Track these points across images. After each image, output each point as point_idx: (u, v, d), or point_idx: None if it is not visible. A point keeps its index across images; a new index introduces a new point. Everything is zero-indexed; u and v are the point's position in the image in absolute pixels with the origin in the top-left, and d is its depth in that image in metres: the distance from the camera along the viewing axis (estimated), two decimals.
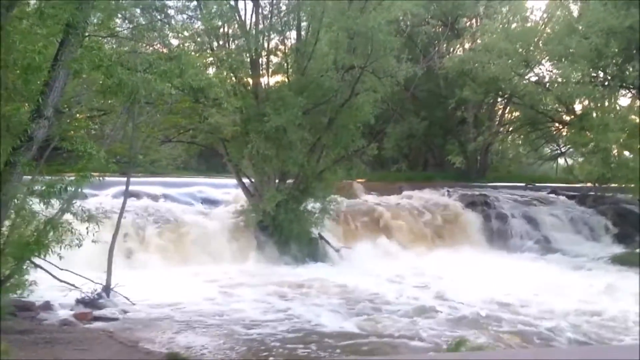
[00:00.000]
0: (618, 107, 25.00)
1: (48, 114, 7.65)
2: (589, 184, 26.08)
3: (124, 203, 14.02)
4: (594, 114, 23.68)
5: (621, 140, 21.42)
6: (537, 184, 29.88)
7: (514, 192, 26.23)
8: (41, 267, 11.07)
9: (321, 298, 13.97)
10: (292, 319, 12.06)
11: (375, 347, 10.42)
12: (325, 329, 11.43)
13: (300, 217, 18.30)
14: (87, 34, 7.95)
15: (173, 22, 15.99)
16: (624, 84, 24.17)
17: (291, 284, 15.24)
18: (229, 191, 20.76)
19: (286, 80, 19.10)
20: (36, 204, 8.54)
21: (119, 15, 12.12)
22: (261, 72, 19.08)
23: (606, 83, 23.93)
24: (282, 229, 18.09)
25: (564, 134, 29.15)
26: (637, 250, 20.98)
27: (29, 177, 8.19)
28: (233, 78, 18.28)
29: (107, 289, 12.62)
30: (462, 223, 22.59)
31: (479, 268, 17.80)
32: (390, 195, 23.63)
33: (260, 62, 18.92)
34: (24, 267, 8.73)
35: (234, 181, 19.81)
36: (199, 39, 18.08)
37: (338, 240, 19.66)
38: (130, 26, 11.58)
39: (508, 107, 33.72)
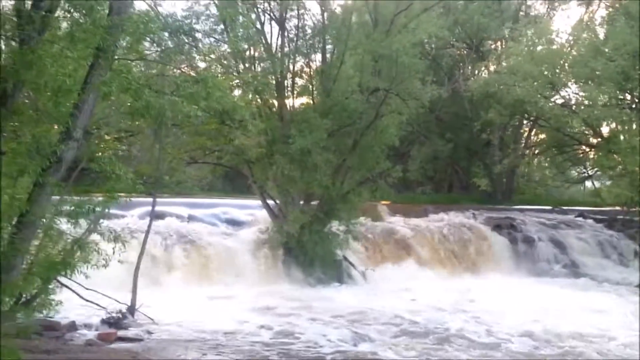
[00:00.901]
0: None
1: (77, 135, 7.75)
2: (617, 208, 25.69)
3: (150, 223, 14.13)
4: (622, 137, 23.40)
5: None
6: (564, 207, 29.48)
7: (541, 215, 25.92)
8: (67, 287, 11.16)
9: (343, 320, 13.88)
10: (320, 341, 11.98)
11: None
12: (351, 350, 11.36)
13: (325, 238, 18.25)
14: (116, 57, 8.07)
15: (200, 45, 16.21)
16: None
17: (314, 306, 15.17)
18: (253, 212, 20.79)
19: (311, 102, 19.21)
20: (64, 224, 8.63)
21: (148, 39, 12.33)
22: (286, 94, 19.21)
23: (633, 105, 23.70)
24: (306, 250, 18.06)
25: (591, 156, 28.84)
26: None
27: (58, 197, 8.30)
28: (258, 100, 18.44)
29: (132, 309, 12.69)
30: (488, 246, 22.35)
31: (506, 293, 17.59)
32: (416, 217, 23.48)
33: (286, 84, 19.07)
34: (51, 286, 8.81)
35: (258, 202, 19.85)
36: (225, 62, 18.26)
37: (362, 263, 19.56)
38: (159, 49, 11.75)
39: (534, 130, 33.47)
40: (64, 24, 8.18)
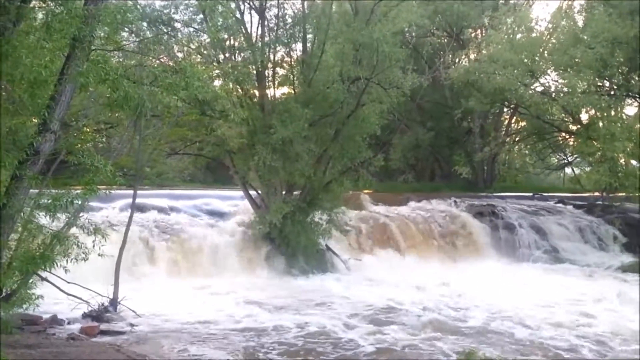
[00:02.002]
0: (624, 117, 24.93)
1: (54, 127, 7.66)
2: (596, 194, 25.99)
3: (131, 216, 14.03)
4: (601, 124, 23.62)
5: (628, 149, 21.35)
6: (544, 194, 29.81)
7: (522, 202, 26.16)
8: (48, 281, 11.08)
9: (330, 309, 13.91)
10: (304, 330, 12.01)
11: (382, 355, 10.37)
12: (334, 338, 11.41)
13: (307, 228, 18.25)
14: (93, 48, 7.97)
15: (179, 35, 16.09)
16: (630, 93, 24.14)
17: (299, 296, 15.20)
18: (236, 203, 20.75)
19: (292, 92, 19.16)
20: (43, 218, 8.54)
21: (126, 29, 12.21)
22: (267, 84, 19.13)
23: (612, 92, 23.92)
24: (289, 240, 18.06)
25: (571, 143, 29.14)
26: None
27: (36, 190, 8.21)
28: (239, 90, 18.34)
29: (114, 302, 12.61)
30: (469, 233, 22.51)
31: (488, 278, 17.78)
32: (398, 206, 23.60)
33: (267, 74, 18.98)
34: (31, 280, 8.73)
35: (240, 193, 19.82)
36: (205, 52, 18.13)
37: (345, 252, 19.61)
38: (137, 39, 11.65)
39: (514, 117, 33.75)
40: (40, 14, 8.06)
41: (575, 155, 29.93)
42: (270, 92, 19.35)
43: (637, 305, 13.99)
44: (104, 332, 11.28)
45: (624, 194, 22.95)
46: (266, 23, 18.72)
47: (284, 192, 18.59)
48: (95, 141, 17.26)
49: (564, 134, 29.25)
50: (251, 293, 15.34)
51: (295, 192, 18.76)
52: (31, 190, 8.00)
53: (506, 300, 14.87)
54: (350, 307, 14.18)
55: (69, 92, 7.79)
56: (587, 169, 27.64)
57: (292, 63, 19.46)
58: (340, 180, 18.71)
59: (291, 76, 19.31)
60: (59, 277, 10.75)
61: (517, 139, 33.71)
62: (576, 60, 22.52)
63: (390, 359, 10.42)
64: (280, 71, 19.84)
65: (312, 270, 18.19)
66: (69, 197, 8.15)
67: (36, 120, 7.88)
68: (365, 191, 23.56)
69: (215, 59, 18.34)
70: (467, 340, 11.55)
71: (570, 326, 12.66)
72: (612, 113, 24.22)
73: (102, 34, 8.40)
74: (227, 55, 18.71)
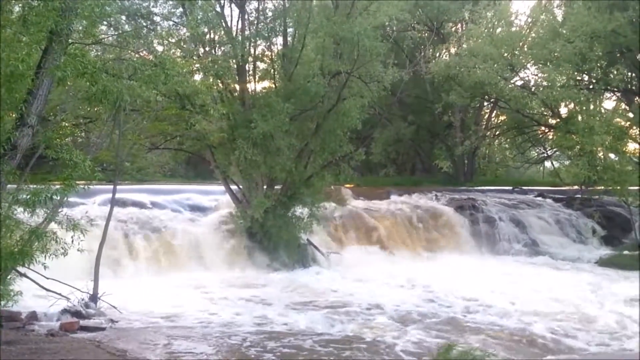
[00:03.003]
0: (603, 110, 25.17)
1: (32, 122, 7.58)
2: (575, 187, 26.24)
3: (111, 211, 13.93)
4: (579, 117, 23.82)
5: (606, 142, 21.56)
6: (524, 187, 30.05)
7: (502, 196, 26.37)
8: (27, 277, 10.97)
9: (310, 304, 13.94)
10: (284, 326, 12.02)
11: (364, 351, 10.40)
12: (313, 333, 11.43)
13: (289, 223, 18.25)
14: (71, 41, 7.89)
15: (159, 28, 15.97)
16: (609, 87, 24.41)
17: (279, 290, 15.21)
18: (217, 198, 20.69)
19: (273, 86, 19.10)
20: (21, 213, 8.46)
21: (104, 23, 12.09)
22: (248, 78, 19.06)
23: (591, 86, 24.14)
24: (270, 235, 18.04)
25: (550, 137, 29.33)
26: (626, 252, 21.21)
27: (14, 185, 8.12)
28: (220, 84, 18.25)
29: (94, 298, 12.52)
30: (450, 227, 22.66)
31: (467, 271, 17.93)
32: (379, 200, 23.66)
33: (247, 68, 18.91)
34: (9, 277, 8.64)
35: (221, 188, 19.75)
36: (184, 46, 18.02)
37: (326, 246, 19.64)
38: (116, 33, 11.54)
39: (494, 111, 33.98)
40: (17, 8, 7.97)
41: (554, 149, 30.16)
42: (250, 86, 19.29)
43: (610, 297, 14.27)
44: (83, 328, 11.18)
45: (602, 187, 23.19)
46: (246, 17, 18.66)
47: (265, 187, 18.55)
48: (74, 136, 17.07)
49: (543, 128, 29.47)
50: (232, 287, 15.33)
51: (276, 187, 18.73)
52: (9, 185, 7.92)
53: (484, 292, 15.01)
54: (328, 300, 14.23)
55: (47, 86, 7.71)
56: (566, 162, 27.88)
57: (273, 57, 19.41)
58: (321, 175, 18.72)
59: (272, 70, 19.25)
60: (38, 273, 10.64)
61: (497, 132, 33.93)
62: (555, 54, 22.71)
63: (374, 352, 10.46)
64: (261, 65, 19.79)
65: (294, 264, 18.19)
66: (48, 193, 8.07)
67: (14, 115, 7.78)
68: (347, 185, 23.59)
69: (195, 53, 18.24)
70: (445, 334, 11.64)
71: (548, 316, 12.83)
72: (591, 107, 24.44)
73: (80, 28, 8.32)
74: (207, 49, 18.62)
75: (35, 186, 8.28)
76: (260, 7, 18.95)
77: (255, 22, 18.91)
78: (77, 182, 8.49)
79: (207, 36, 18.50)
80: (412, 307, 13.66)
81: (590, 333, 11.88)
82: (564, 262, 20.74)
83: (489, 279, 16.84)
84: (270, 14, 19.21)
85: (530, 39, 25.77)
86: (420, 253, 20.85)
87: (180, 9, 16.78)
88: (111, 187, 14.15)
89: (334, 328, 11.90)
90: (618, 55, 24.13)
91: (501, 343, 11.13)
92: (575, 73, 23.39)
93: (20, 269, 9.78)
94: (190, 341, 10.70)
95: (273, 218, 17.84)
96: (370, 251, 19.98)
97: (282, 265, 18.03)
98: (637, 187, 22.08)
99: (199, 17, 14.73)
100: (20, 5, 7.87)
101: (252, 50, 18.94)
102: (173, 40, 16.68)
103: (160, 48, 14.96)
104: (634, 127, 24.61)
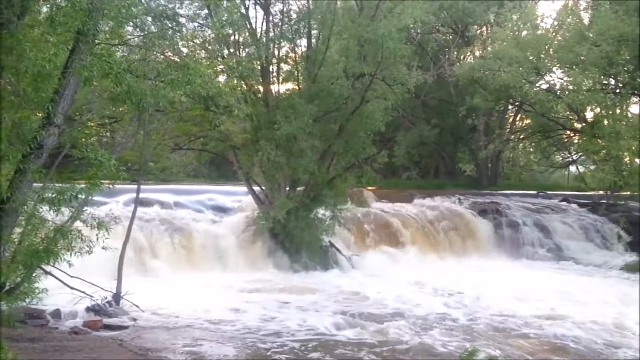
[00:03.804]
0: (630, 115, 24.79)
1: (58, 121, 7.66)
2: (600, 192, 25.89)
3: (135, 210, 14.04)
4: (606, 122, 23.49)
5: (633, 147, 21.23)
6: (548, 192, 29.78)
7: (526, 200, 26.14)
8: (52, 275, 11.08)
9: (332, 306, 13.91)
10: (306, 328, 12.00)
11: (383, 354, 10.35)
12: (336, 335, 11.40)
13: (311, 224, 18.24)
14: (97, 42, 7.96)
15: (184, 30, 16.05)
16: (636, 92, 24.01)
17: (300, 292, 15.20)
18: (239, 199, 20.76)
19: (297, 87, 19.11)
20: (46, 212, 8.54)
21: (130, 23, 12.18)
22: (272, 79, 19.10)
23: (617, 90, 23.80)
24: (292, 236, 18.05)
25: (576, 141, 29.00)
26: None
27: (40, 184, 8.20)
28: (244, 86, 18.30)
29: (117, 296, 12.62)
30: (473, 231, 22.50)
31: (491, 275, 17.78)
32: (401, 203, 23.56)
33: (271, 69, 18.95)
34: (34, 274, 8.73)
35: (244, 189, 19.79)
36: (209, 47, 18.11)
37: (349, 248, 19.60)
38: (141, 34, 11.62)
39: (519, 115, 33.67)
40: (44, 8, 8.05)
41: (579, 154, 29.82)
42: (274, 87, 19.34)
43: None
44: (106, 326, 11.29)
45: (628, 192, 22.88)
46: (271, 18, 18.70)
47: (287, 188, 18.57)
48: (99, 135, 17.26)
49: (568, 132, 29.13)
50: (254, 289, 15.34)
51: (299, 188, 18.73)
52: (35, 184, 8.01)
53: (509, 298, 14.85)
54: (350, 303, 14.18)
55: (73, 85, 7.78)
56: (592, 167, 27.56)
57: (297, 59, 19.42)
58: (344, 177, 18.70)
59: (295, 72, 19.26)
60: (63, 271, 10.73)
61: (521, 136, 33.62)
62: (581, 57, 22.41)
63: (394, 357, 10.40)
64: (285, 67, 19.82)
65: (315, 266, 18.19)
66: (73, 191, 8.14)
67: (40, 114, 7.87)
68: (369, 187, 23.54)
69: (219, 54, 18.32)
70: (470, 338, 11.54)
71: (574, 323, 12.66)
72: (617, 111, 24.09)
73: (107, 28, 8.39)
74: (231, 50, 18.70)
75: (60, 185, 8.36)
76: (285, 9, 18.99)
77: (280, 23, 18.94)
78: (102, 181, 8.54)
79: (232, 38, 18.58)
80: (435, 311, 13.56)
81: (619, 340, 11.70)
82: (588, 267, 20.48)
83: (514, 284, 16.63)
84: (294, 15, 19.22)
85: (556, 42, 25.49)
86: (442, 256, 20.71)
87: (206, 11, 16.84)
88: (135, 186, 14.25)
89: (353, 330, 11.85)
90: None
91: (526, 349, 11.00)
92: (602, 77, 23.09)
93: (45, 266, 9.88)
94: (212, 342, 10.73)
95: (295, 220, 17.85)
96: (392, 254, 19.87)
97: (304, 267, 18.02)
98: None
99: (223, 19, 14.78)
100: (47, 5, 7.94)
101: (276, 52, 18.98)
102: (198, 42, 16.76)
103: (185, 49, 15.05)
104: None
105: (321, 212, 18.74)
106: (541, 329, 12.36)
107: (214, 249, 17.72)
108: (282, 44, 19.15)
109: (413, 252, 20.37)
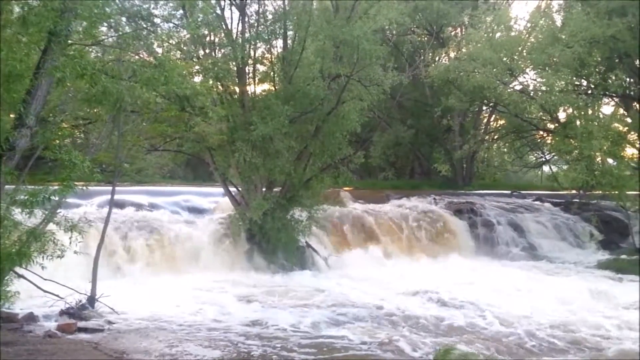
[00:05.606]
0: (601, 115, 25.22)
1: (30, 122, 7.59)
2: (573, 191, 26.28)
3: (109, 212, 13.91)
4: (578, 122, 23.85)
5: (604, 147, 21.60)
6: (522, 192, 30.12)
7: (500, 200, 26.40)
8: (25, 278, 10.95)
9: (306, 306, 13.92)
10: (284, 326, 11.99)
11: (362, 354, 10.39)
12: (307, 335, 11.41)
13: (288, 225, 18.23)
14: (70, 42, 7.90)
15: (159, 30, 15.96)
16: (607, 93, 24.42)
17: (278, 293, 15.19)
18: (216, 200, 20.68)
19: (273, 88, 19.09)
20: (19, 214, 8.44)
21: (104, 24, 12.08)
22: (247, 80, 19.04)
23: (589, 91, 24.16)
24: (269, 237, 18.03)
25: (549, 141, 29.35)
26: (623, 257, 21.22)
27: (12, 186, 8.11)
28: (219, 86, 18.25)
29: (91, 299, 12.49)
30: (449, 230, 22.67)
31: (467, 274, 17.91)
32: (378, 203, 23.66)
33: (247, 70, 18.90)
34: (7, 277, 8.63)
35: (220, 190, 19.73)
36: (185, 48, 18.04)
37: (325, 249, 19.63)
38: (116, 34, 11.53)
39: (493, 116, 34.02)
40: (16, 8, 7.97)
41: (552, 154, 30.18)
42: (250, 88, 19.28)
43: (610, 301, 14.25)
44: (81, 330, 11.15)
45: (600, 191, 23.23)
46: (247, 19, 18.66)
47: (264, 189, 18.55)
48: (73, 137, 17.08)
49: (541, 132, 29.47)
50: (231, 289, 15.29)
51: (275, 189, 18.73)
52: (7, 186, 7.92)
53: (485, 296, 14.98)
54: (327, 303, 14.20)
55: (45, 86, 7.72)
56: (565, 167, 27.92)
57: (273, 60, 19.40)
58: (320, 177, 18.73)
59: (272, 73, 19.24)
60: (36, 274, 10.63)
61: (495, 137, 33.97)
62: (554, 59, 22.73)
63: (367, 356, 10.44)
64: (261, 68, 19.78)
65: (292, 267, 18.18)
66: (46, 193, 8.07)
67: (12, 115, 7.79)
68: (345, 188, 23.61)
69: (195, 55, 18.25)
70: (443, 337, 11.63)
71: (549, 320, 12.82)
72: (589, 112, 24.47)
73: (80, 29, 8.33)
74: (207, 51, 18.63)
75: (33, 187, 8.28)
76: (261, 10, 18.96)
77: (256, 24, 18.90)
78: (76, 183, 8.48)
79: (207, 38, 18.52)
80: (411, 310, 13.61)
81: (591, 337, 11.87)
82: (562, 265, 20.75)
83: (488, 283, 16.78)
84: (270, 16, 19.19)
85: (529, 43, 25.79)
86: (418, 256, 20.81)
87: (181, 11, 16.77)
88: (110, 188, 14.13)
89: (330, 329, 11.87)
90: (617, 60, 24.16)
91: (500, 346, 11.11)
92: (574, 78, 23.43)
93: (18, 269, 9.76)
94: (189, 343, 10.66)
95: (272, 220, 17.84)
96: (368, 254, 19.96)
97: (281, 268, 18.01)
98: (635, 192, 22.13)
99: (199, 19, 14.76)
100: (19, 5, 7.86)
101: (252, 53, 18.93)
102: (173, 42, 16.68)
103: (160, 50, 14.97)
104: (632, 132, 24.66)
105: (298, 213, 18.75)
106: (516, 326, 12.46)
107: (190, 251, 17.63)
108: (258, 44, 19.12)
109: (389, 252, 20.49)
